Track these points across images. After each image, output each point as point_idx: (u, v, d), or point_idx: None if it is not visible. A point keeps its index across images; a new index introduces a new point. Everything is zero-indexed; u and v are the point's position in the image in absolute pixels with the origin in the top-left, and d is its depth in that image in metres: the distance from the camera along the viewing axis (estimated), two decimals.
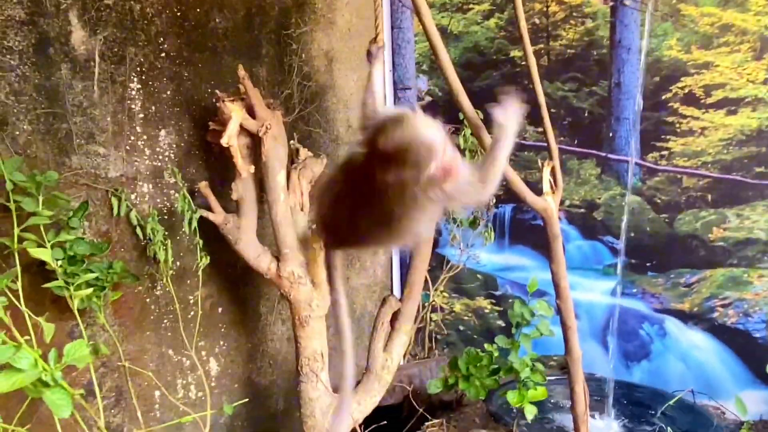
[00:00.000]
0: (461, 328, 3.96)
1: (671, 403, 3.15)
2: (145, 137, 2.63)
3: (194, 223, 2.68)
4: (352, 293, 3.79)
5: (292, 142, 2.93)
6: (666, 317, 3.38)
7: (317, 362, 2.82)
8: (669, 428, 3.00)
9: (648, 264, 3.39)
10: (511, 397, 2.75)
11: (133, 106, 2.58)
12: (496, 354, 2.99)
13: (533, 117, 3.55)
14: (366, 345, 3.03)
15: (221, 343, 3.03)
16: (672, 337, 3.38)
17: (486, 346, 3.03)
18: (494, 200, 3.74)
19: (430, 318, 3.97)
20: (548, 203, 1.72)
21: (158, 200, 2.70)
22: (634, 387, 3.40)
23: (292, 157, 2.90)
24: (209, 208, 2.73)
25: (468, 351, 2.98)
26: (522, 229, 3.71)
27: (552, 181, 1.78)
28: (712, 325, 3.27)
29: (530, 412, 2.76)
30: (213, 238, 2.72)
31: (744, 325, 3.19)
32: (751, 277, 3.14)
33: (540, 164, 2.03)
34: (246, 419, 3.16)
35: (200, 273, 2.75)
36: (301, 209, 2.86)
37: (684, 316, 3.34)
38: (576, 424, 1.87)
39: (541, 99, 1.88)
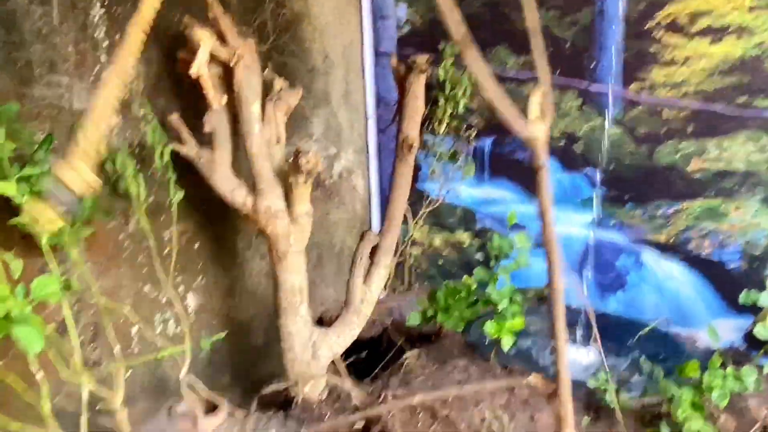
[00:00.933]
0: (440, 262, 3.98)
1: (644, 332, 3.22)
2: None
3: (166, 157, 2.60)
4: (331, 229, 3.77)
5: (266, 71, 2.82)
6: (642, 248, 3.41)
7: (296, 297, 2.81)
8: (642, 356, 3.07)
9: (626, 196, 3.39)
10: (489, 327, 2.78)
11: (96, 34, 2.45)
12: (474, 287, 3.01)
13: (514, 46, 3.49)
14: (346, 280, 3.03)
15: (199, 278, 3.00)
16: (648, 269, 3.43)
17: (465, 279, 3.04)
18: (475, 133, 3.69)
19: (410, 252, 3.97)
20: (537, 131, 1.66)
21: (127, 133, 2.61)
22: (608, 317, 3.47)
23: (267, 88, 2.80)
24: (181, 141, 2.65)
25: (447, 284, 2.99)
26: (502, 162, 3.68)
27: (541, 107, 1.72)
28: (687, 256, 3.31)
29: (508, 343, 2.80)
30: (187, 172, 2.65)
31: (719, 256, 3.23)
32: (728, 209, 3.15)
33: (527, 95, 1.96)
34: (226, 354, 3.18)
35: (174, 208, 2.69)
36: (277, 142, 2.78)
37: (660, 248, 3.37)
38: (557, 357, 1.89)
39: (533, 19, 1.78)
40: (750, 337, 3.27)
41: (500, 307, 2.79)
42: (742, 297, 2.78)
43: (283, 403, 2.99)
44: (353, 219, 3.92)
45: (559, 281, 1.96)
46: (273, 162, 2.75)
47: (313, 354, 2.84)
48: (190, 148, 2.67)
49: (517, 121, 1.90)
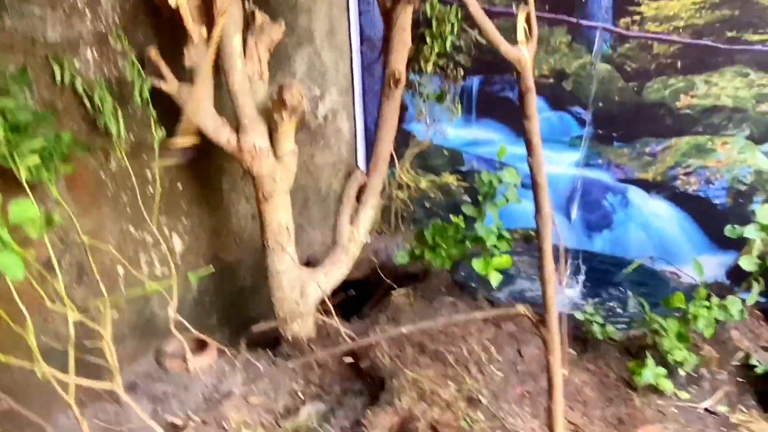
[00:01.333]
0: (427, 204, 3.96)
1: (630, 269, 3.24)
2: None
3: (145, 93, 2.53)
4: (316, 172, 3.72)
5: (247, 5, 2.72)
6: (629, 187, 3.42)
7: (283, 236, 2.79)
8: (628, 291, 3.11)
9: (614, 134, 3.37)
10: (477, 264, 2.78)
11: None
12: (462, 225, 3.00)
13: None
14: (332, 223, 3.01)
15: (183, 219, 2.96)
16: (634, 207, 3.44)
17: (452, 217, 3.03)
18: (462, 72, 3.63)
19: (397, 195, 3.94)
20: (522, 53, 1.62)
21: (105, 68, 2.52)
22: (595, 255, 3.49)
23: (248, 22, 2.71)
24: (161, 77, 2.57)
25: (434, 222, 2.98)
26: (489, 102, 3.63)
27: (527, 29, 1.67)
28: (673, 194, 3.32)
29: (495, 279, 2.80)
30: (168, 110, 2.57)
31: (705, 193, 3.24)
32: (715, 145, 3.15)
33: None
34: (213, 295, 3.16)
35: (156, 147, 2.62)
36: (260, 77, 2.71)
37: (647, 186, 3.37)
38: (543, 284, 1.89)
39: None
40: (733, 273, 3.32)
41: (488, 244, 2.78)
42: (728, 230, 2.79)
43: (272, 342, 3.00)
44: (339, 162, 3.87)
45: (546, 206, 1.95)
46: (256, 99, 2.68)
47: (301, 293, 2.84)
48: (170, 85, 2.59)
49: (504, 43, 1.86)
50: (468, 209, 2.82)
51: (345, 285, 3.17)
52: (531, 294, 3.07)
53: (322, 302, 2.88)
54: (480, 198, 2.83)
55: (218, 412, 2.46)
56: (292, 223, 2.83)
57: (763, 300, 2.98)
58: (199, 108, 2.60)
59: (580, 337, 2.77)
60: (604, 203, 3.52)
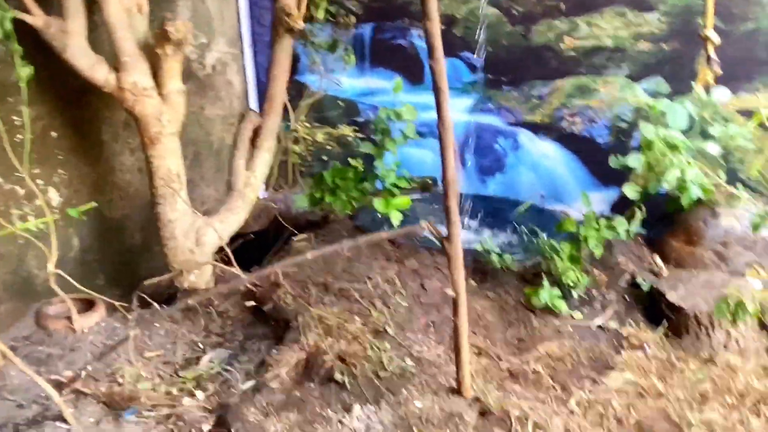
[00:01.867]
0: (325, 158, 3.89)
1: (523, 208, 3.35)
2: None
3: (8, 26, 2.27)
4: (207, 125, 3.55)
5: None
6: (519, 130, 3.52)
7: (174, 182, 2.64)
8: (523, 227, 3.21)
9: (504, 78, 3.46)
10: (378, 204, 2.76)
11: None
12: (361, 169, 2.97)
13: None
14: (227, 179, 2.88)
15: (60, 171, 2.72)
16: (524, 149, 3.55)
17: (351, 161, 2.99)
18: (353, 20, 3.58)
19: (293, 149, 3.85)
20: None
21: None
22: (489, 199, 3.58)
23: None
24: (26, 10, 2.33)
25: (334, 165, 2.93)
26: (383, 50, 3.60)
27: None
28: (560, 135, 3.45)
29: (396, 218, 2.80)
30: (37, 47, 2.34)
31: (589, 132, 3.40)
32: (597, 85, 3.30)
33: None
34: (99, 254, 2.94)
35: (24, 87, 2.38)
36: (139, 11, 2.52)
37: (536, 128, 3.49)
38: (446, 195, 1.90)
39: None
40: (617, 208, 3.51)
41: (388, 182, 2.77)
42: (611, 161, 2.94)
43: (168, 298, 2.84)
44: (230, 116, 3.71)
45: (448, 116, 1.95)
46: (136, 35, 2.50)
47: (196, 241, 2.70)
48: (36, 18, 2.35)
49: None
50: (366, 147, 2.80)
51: (245, 239, 3.06)
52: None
53: (220, 251, 2.76)
54: (378, 137, 2.80)
55: (109, 367, 2.30)
56: (183, 169, 2.68)
57: (645, 231, 3.20)
58: (71, 44, 2.39)
59: (479, 269, 2.83)
60: (496, 147, 3.61)
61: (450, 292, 1.89)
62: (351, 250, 2.89)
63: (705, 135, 2.89)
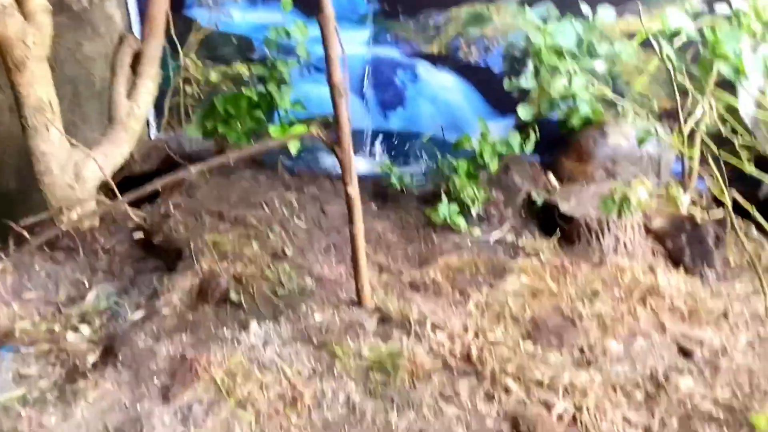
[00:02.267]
0: None
1: (424, 139, 3.35)
2: None
3: None
4: (86, 63, 3.30)
5: None
6: (417, 61, 3.49)
7: (46, 112, 2.43)
8: (424, 154, 3.20)
9: (399, 8, 3.41)
10: (274, 131, 2.67)
11: None
12: (255, 97, 2.85)
13: None
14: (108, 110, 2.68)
15: None
16: (423, 81, 3.53)
17: (244, 89, 2.87)
18: None
19: (184, 90, 3.65)
20: None
21: None
22: (392, 133, 3.55)
23: None
24: None
25: (225, 94, 2.80)
26: None
27: None
28: (457, 65, 3.45)
29: (294, 147, 2.72)
30: None
31: (485, 62, 3.42)
32: (491, 12, 3.32)
33: None
34: None
35: None
36: None
37: (433, 59, 3.47)
38: (333, 97, 1.84)
39: None
40: None
41: (281, 108, 2.68)
42: (506, 84, 2.98)
43: (50, 240, 2.63)
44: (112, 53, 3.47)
45: (335, 46, 1.87)
46: None
47: (76, 176, 2.51)
48: None
49: None
50: (258, 68, 2.68)
51: (132, 181, 2.87)
52: (331, 164, 3.04)
53: (105, 187, 2.58)
54: (269, 59, 2.69)
55: None
56: (56, 97, 2.47)
57: (540, 157, 3.28)
58: None
59: (380, 193, 2.81)
60: (396, 80, 3.58)
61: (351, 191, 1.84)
62: (248, 180, 2.78)
63: (592, 55, 2.96)
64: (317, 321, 2.04)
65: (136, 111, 2.66)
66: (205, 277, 2.14)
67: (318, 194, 2.69)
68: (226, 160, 1.97)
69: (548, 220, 2.72)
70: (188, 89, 3.68)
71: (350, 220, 2.02)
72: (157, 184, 1.99)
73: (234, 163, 2.90)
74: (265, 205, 2.58)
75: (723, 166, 2.46)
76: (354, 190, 1.94)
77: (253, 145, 2.43)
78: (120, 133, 2.63)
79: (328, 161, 3.03)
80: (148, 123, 3.68)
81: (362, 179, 2.94)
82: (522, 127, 3.02)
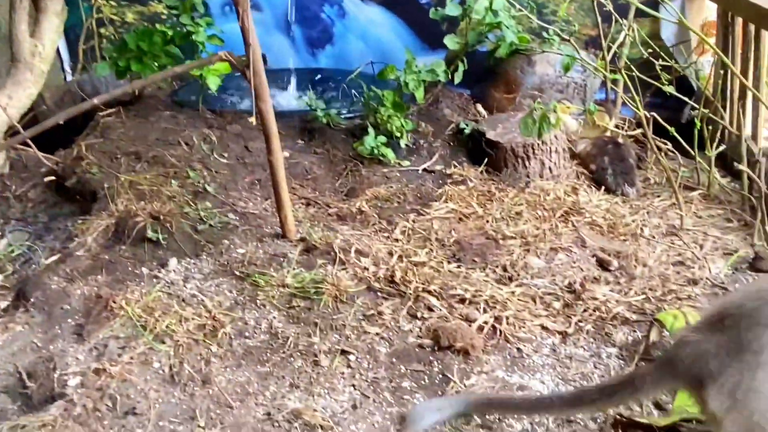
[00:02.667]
0: None
1: (354, 75, 3.27)
2: None
3: None
4: None
5: None
6: None
7: None
8: (353, 90, 3.13)
9: None
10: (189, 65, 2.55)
11: None
12: (169, 32, 2.71)
13: None
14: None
15: None
16: (351, 16, 3.44)
17: (158, 25, 2.73)
18: None
19: (98, 32, 3.46)
20: None
21: None
22: (321, 71, 3.47)
23: None
24: None
25: (136, 29, 2.66)
26: None
27: None
28: None
29: (213, 83, 2.62)
30: None
31: None
32: None
33: None
34: None
35: None
36: None
37: None
38: (243, 33, 1.77)
39: None
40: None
41: (198, 40, 2.57)
42: (431, 13, 2.93)
43: None
44: None
45: None
46: None
47: None
48: None
49: None
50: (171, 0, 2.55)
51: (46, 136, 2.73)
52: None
53: (12, 131, 2.43)
54: None
55: None
56: None
57: (470, 90, 3.26)
58: None
59: (307, 128, 2.75)
60: (323, 16, 3.48)
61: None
62: (167, 120, 2.68)
63: None
64: (240, 254, 2.00)
65: (41, 50, 2.50)
66: (120, 218, 2.06)
67: (242, 132, 2.61)
68: (130, 89, 1.87)
69: (476, 148, 2.72)
70: (103, 31, 3.50)
71: (268, 150, 1.97)
72: (60, 117, 1.88)
73: (152, 103, 2.79)
74: (185, 144, 2.49)
75: (638, 90, 2.49)
76: (266, 106, 1.88)
77: (158, 73, 2.32)
78: (24, 73, 2.47)
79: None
80: (63, 68, 3.50)
81: (288, 116, 2.90)
82: (451, 60, 2.99)
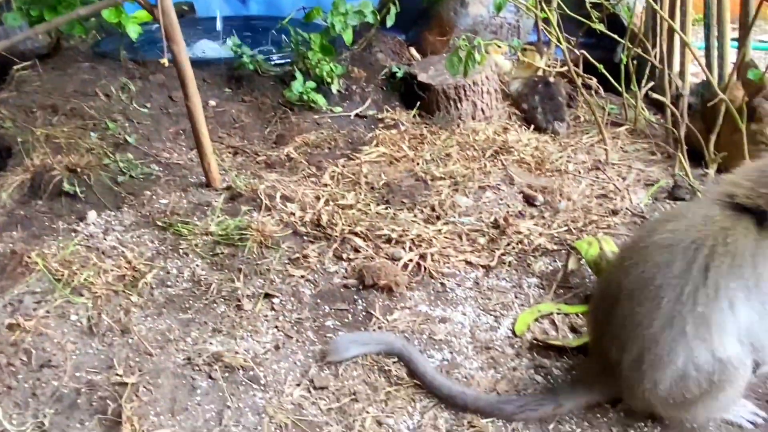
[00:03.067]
0: None
1: (285, 21, 3.18)
2: None
3: None
4: None
5: None
6: None
7: None
8: (283, 38, 3.05)
9: None
10: (108, 15, 2.43)
11: None
12: None
13: None
14: None
15: None
16: None
17: None
18: None
19: None
20: None
21: None
22: (250, 18, 3.37)
23: None
24: None
25: None
26: None
27: None
28: None
29: (134, 31, 2.49)
30: None
31: None
32: None
33: None
34: None
35: None
36: None
37: None
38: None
39: None
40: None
41: None
42: None
43: None
44: None
45: None
46: None
47: None
48: None
49: None
50: None
51: None
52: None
53: None
54: None
55: None
56: None
57: (404, 35, 3.21)
58: None
59: (235, 76, 2.67)
60: None
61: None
62: (87, 71, 2.56)
63: None
64: (163, 205, 1.95)
65: None
66: (36, 172, 1.98)
67: (165, 81, 2.52)
68: (32, 34, 1.77)
69: (409, 92, 2.69)
70: None
71: (185, 95, 1.90)
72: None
73: (72, 55, 2.67)
74: (104, 95, 2.39)
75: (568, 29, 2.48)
76: (178, 48, 1.81)
77: (61, 16, 2.19)
78: None
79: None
80: None
81: (216, 63, 2.81)
82: (385, 3, 2.92)
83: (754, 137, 2.05)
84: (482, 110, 2.60)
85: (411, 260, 1.73)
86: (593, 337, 1.31)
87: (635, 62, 2.47)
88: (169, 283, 1.67)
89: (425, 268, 1.71)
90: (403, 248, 1.78)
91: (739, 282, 1.12)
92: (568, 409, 1.28)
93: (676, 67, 2.75)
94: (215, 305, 1.60)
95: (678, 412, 1.21)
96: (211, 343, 1.49)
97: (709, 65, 2.67)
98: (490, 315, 1.58)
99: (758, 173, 1.18)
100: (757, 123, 2.08)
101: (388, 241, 1.82)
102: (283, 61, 2.85)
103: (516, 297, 1.63)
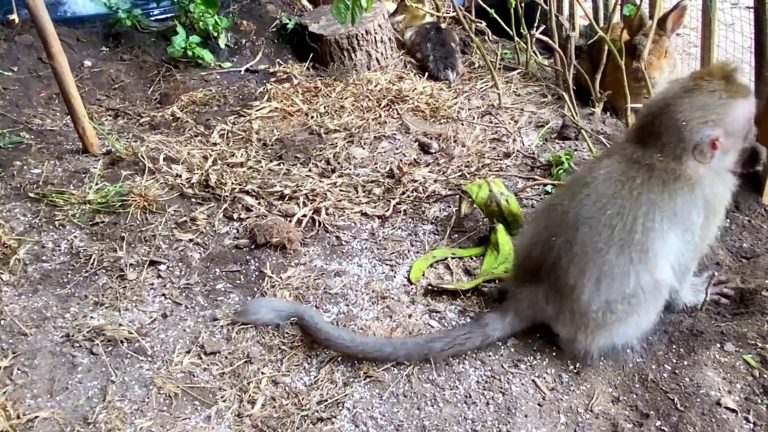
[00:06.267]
0: None
1: None
2: None
3: None
4: None
5: None
6: None
7: None
8: None
9: None
10: None
11: None
12: None
13: None
14: None
15: None
16: None
17: None
18: None
19: None
20: None
21: None
22: None
23: None
24: None
25: None
26: None
27: None
28: None
29: None
30: None
31: None
32: None
33: None
34: None
35: None
36: None
37: None
38: None
39: None
40: None
41: None
42: None
43: None
44: None
45: None
46: None
47: None
48: None
49: None
50: None
51: None
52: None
53: None
54: None
55: None
56: None
57: None
58: None
59: (112, 34, 2.49)
60: None
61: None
62: None
63: None
64: (35, 175, 1.80)
65: None
66: None
67: (34, 42, 2.31)
68: None
69: (301, 44, 2.60)
70: None
71: (48, 54, 1.75)
72: None
73: None
74: None
75: None
76: (34, 1, 1.65)
77: None
78: None
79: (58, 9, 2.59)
80: None
81: (90, 21, 2.61)
82: None
83: (636, 74, 2.11)
84: (377, 60, 2.55)
85: (305, 215, 1.69)
86: (528, 268, 1.31)
87: (523, 5, 2.48)
88: (44, 257, 1.56)
89: (320, 223, 1.68)
90: (297, 204, 1.73)
91: (663, 213, 1.20)
92: (497, 338, 1.29)
93: (566, 10, 2.79)
94: (96, 277, 1.50)
95: (604, 332, 1.24)
96: (92, 318, 1.40)
97: (595, 7, 2.72)
98: (386, 265, 1.56)
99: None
100: (638, 60, 2.14)
101: (282, 197, 1.77)
102: (164, 16, 2.69)
103: (411, 245, 1.63)
